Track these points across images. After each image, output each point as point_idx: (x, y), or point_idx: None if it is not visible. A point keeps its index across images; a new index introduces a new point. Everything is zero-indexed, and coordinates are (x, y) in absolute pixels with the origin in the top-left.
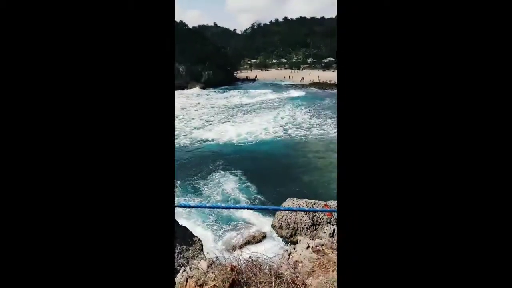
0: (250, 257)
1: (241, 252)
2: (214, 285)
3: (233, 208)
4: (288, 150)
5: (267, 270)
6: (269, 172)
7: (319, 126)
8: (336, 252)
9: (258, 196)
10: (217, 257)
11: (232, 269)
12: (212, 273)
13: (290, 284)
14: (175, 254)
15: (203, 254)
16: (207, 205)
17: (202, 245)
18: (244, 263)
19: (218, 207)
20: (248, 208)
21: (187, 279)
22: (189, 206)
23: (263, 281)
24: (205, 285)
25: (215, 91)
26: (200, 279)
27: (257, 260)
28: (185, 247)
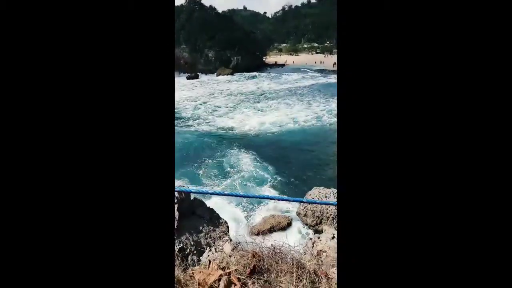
0: (272, 245)
1: (263, 239)
2: (236, 269)
3: (248, 197)
4: (318, 138)
5: (289, 259)
6: (295, 160)
7: None
8: None
9: (280, 181)
10: (239, 242)
11: (254, 256)
12: (234, 257)
13: (312, 275)
14: (202, 234)
15: (228, 236)
16: (223, 192)
17: (228, 227)
18: (267, 250)
19: (232, 195)
20: (264, 198)
21: (210, 261)
22: (203, 193)
23: (284, 270)
24: (227, 268)
25: (244, 77)
26: (222, 262)
27: (279, 248)
28: (212, 228)
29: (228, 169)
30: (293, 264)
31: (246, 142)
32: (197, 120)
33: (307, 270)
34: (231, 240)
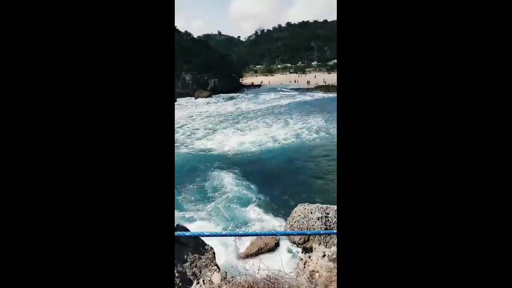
0: (267, 275)
1: (253, 264)
2: None
3: (232, 235)
4: (298, 155)
5: None
6: (278, 178)
7: (326, 130)
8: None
9: (264, 200)
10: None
11: None
12: None
13: None
14: (187, 264)
15: (215, 263)
16: (207, 233)
17: (214, 253)
18: (262, 281)
19: (218, 235)
20: (248, 235)
21: None
22: (190, 235)
23: None
24: None
25: (222, 98)
26: None
27: (275, 278)
28: (197, 255)
29: (210, 192)
30: None
31: (226, 163)
32: (176, 144)
33: None
34: (219, 268)
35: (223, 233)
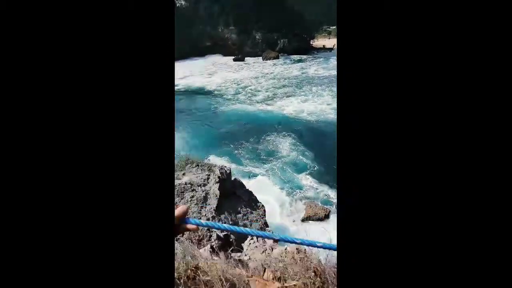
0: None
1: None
2: (295, 285)
3: (248, 234)
4: None
5: None
6: (333, 151)
7: None
8: None
9: (319, 170)
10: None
11: (315, 273)
12: (292, 269)
13: None
14: (240, 215)
15: (264, 219)
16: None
17: (265, 211)
18: (329, 266)
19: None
20: (267, 238)
21: (265, 268)
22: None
23: None
24: (284, 281)
25: (290, 60)
26: (277, 271)
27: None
28: (249, 210)
29: (265, 154)
30: None
31: (286, 127)
32: (238, 102)
33: None
34: (267, 225)
35: (232, 228)
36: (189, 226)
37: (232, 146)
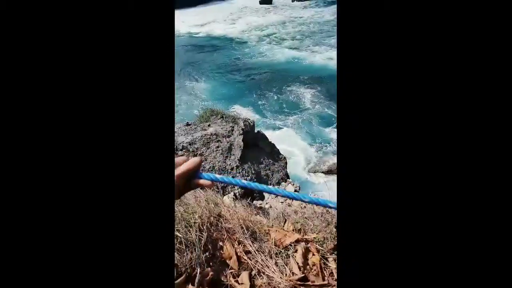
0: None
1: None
2: (314, 238)
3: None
4: None
5: None
6: None
7: None
8: None
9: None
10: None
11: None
12: (312, 222)
13: None
14: (262, 166)
15: (286, 171)
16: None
17: (286, 163)
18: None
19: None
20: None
21: (285, 220)
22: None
23: None
24: (304, 233)
25: (323, 2)
26: (297, 223)
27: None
28: (271, 161)
29: (288, 106)
30: None
31: (312, 78)
32: (261, 51)
33: None
34: (288, 177)
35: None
36: (202, 181)
37: (255, 96)
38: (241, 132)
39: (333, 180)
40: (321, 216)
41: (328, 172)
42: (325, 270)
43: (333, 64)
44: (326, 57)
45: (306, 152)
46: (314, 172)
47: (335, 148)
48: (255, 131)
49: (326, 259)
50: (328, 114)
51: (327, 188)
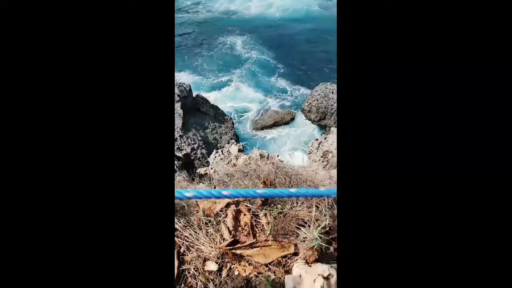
0: (282, 163)
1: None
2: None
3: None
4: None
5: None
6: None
7: None
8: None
9: (289, 73)
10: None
11: (265, 183)
12: (241, 180)
13: (330, 200)
14: (209, 130)
15: (234, 132)
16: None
17: (233, 123)
18: (280, 171)
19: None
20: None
21: (215, 186)
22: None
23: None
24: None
25: None
26: (229, 185)
27: (293, 168)
28: (217, 124)
29: (229, 58)
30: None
31: (250, 28)
32: (197, 6)
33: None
34: (237, 137)
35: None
36: None
37: (186, 58)
38: (178, 98)
39: (277, 134)
40: (254, 172)
41: (274, 124)
42: (256, 227)
43: (273, 11)
44: (267, 4)
45: (262, 105)
46: (262, 129)
47: (292, 99)
48: (193, 95)
49: (257, 215)
50: (266, 60)
51: (275, 144)
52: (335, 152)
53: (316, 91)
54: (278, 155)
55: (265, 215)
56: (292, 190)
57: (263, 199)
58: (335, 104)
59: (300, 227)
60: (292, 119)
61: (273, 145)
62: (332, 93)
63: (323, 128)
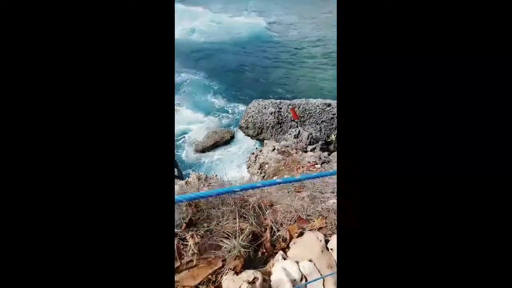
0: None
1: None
2: None
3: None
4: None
5: (230, 199)
6: (229, 70)
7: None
8: (299, 152)
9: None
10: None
11: (189, 206)
12: None
13: (256, 209)
14: None
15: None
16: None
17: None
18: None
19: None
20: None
21: None
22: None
23: (226, 213)
24: None
25: None
26: None
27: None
28: None
29: None
30: (235, 204)
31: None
32: None
33: (251, 206)
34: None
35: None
36: None
37: None
38: None
39: (225, 153)
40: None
41: (215, 145)
42: (184, 250)
43: (195, 37)
44: (188, 28)
45: (205, 125)
46: (203, 151)
47: (235, 116)
48: None
49: (184, 239)
50: (198, 80)
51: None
52: (271, 162)
53: (250, 108)
54: (216, 175)
55: (192, 236)
56: (278, 179)
57: (187, 221)
58: (269, 119)
59: (224, 239)
60: (232, 137)
61: (220, 165)
62: (265, 108)
63: (262, 141)
